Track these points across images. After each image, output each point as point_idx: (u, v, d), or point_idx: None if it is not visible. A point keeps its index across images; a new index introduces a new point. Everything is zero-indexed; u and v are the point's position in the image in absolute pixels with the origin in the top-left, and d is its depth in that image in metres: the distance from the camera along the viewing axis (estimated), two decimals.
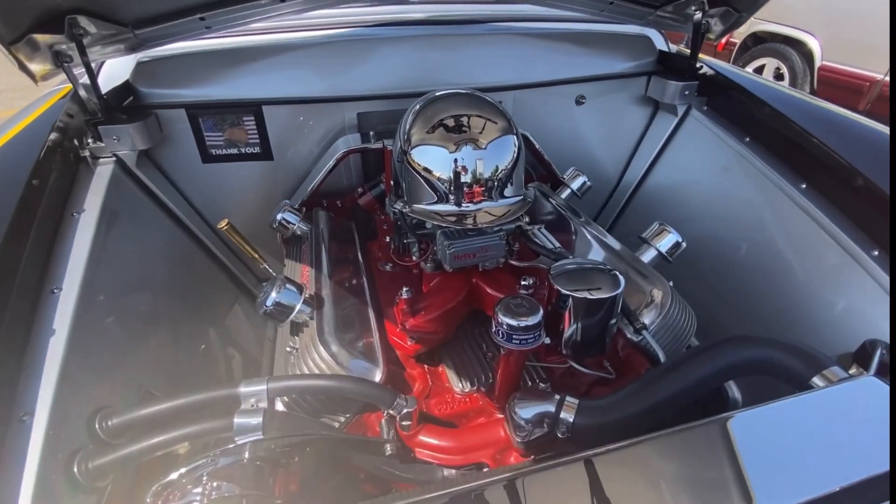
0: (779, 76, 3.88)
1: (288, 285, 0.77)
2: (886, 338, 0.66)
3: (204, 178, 1.16)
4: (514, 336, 0.66)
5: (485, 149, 0.83)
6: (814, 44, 3.63)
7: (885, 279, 0.81)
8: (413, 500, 0.45)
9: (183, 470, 0.60)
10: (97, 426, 0.59)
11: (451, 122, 0.84)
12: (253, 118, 1.09)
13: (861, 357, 0.65)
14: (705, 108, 1.31)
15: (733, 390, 0.77)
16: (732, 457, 0.47)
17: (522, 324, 0.65)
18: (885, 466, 0.46)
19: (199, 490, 0.59)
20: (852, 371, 0.66)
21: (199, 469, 0.60)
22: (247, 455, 0.59)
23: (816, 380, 0.59)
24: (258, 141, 1.13)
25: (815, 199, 0.96)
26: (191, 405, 0.61)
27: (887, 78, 3.29)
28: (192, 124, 1.09)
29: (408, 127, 0.87)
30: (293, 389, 0.65)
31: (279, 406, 0.72)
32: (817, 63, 3.62)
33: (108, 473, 0.60)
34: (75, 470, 0.57)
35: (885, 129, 1.01)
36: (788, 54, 3.76)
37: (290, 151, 1.19)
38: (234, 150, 1.13)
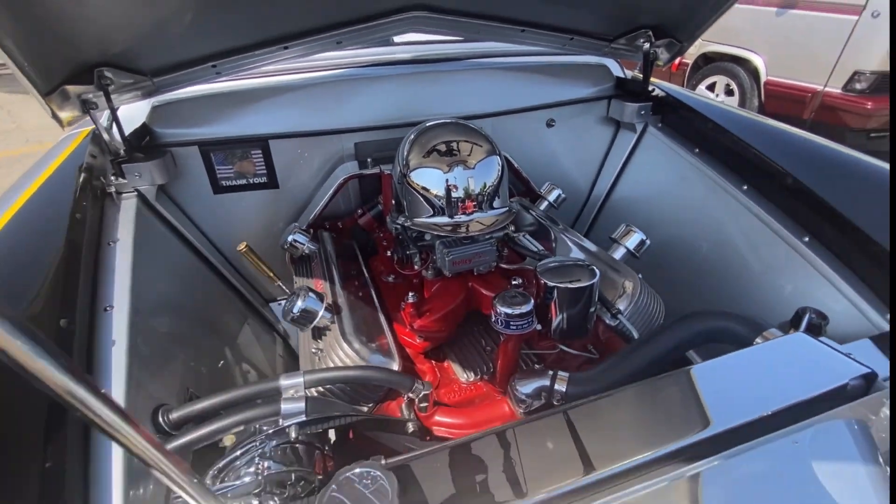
0: (729, 92, 4.21)
1: (311, 294, 0.88)
2: (818, 306, 0.80)
3: (215, 207, 1.27)
4: (511, 323, 0.78)
5: (473, 168, 0.96)
6: (758, 61, 3.97)
7: (816, 259, 0.96)
8: (441, 446, 0.56)
9: (237, 453, 0.69)
10: (160, 420, 0.68)
11: (443, 147, 0.98)
12: (260, 151, 1.21)
13: (796, 321, 0.79)
14: (660, 125, 1.48)
15: (695, 358, 0.90)
16: (695, 395, 0.60)
17: (517, 311, 0.77)
18: (809, 394, 0.59)
19: (251, 469, 0.68)
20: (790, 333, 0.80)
21: (250, 452, 0.69)
22: (293, 436, 0.69)
23: (758, 340, 0.73)
24: (265, 171, 1.24)
25: (754, 197, 1.13)
26: (238, 398, 0.71)
27: (827, 88, 3.62)
28: (204, 159, 1.20)
29: (406, 153, 1.00)
30: (326, 380, 0.75)
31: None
32: (763, 78, 3.95)
33: None
34: None
35: (808, 135, 1.19)
36: (737, 72, 4.09)
37: (294, 180, 1.31)
38: (243, 181, 1.24)
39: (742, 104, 4.15)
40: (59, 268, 0.73)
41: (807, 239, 1.00)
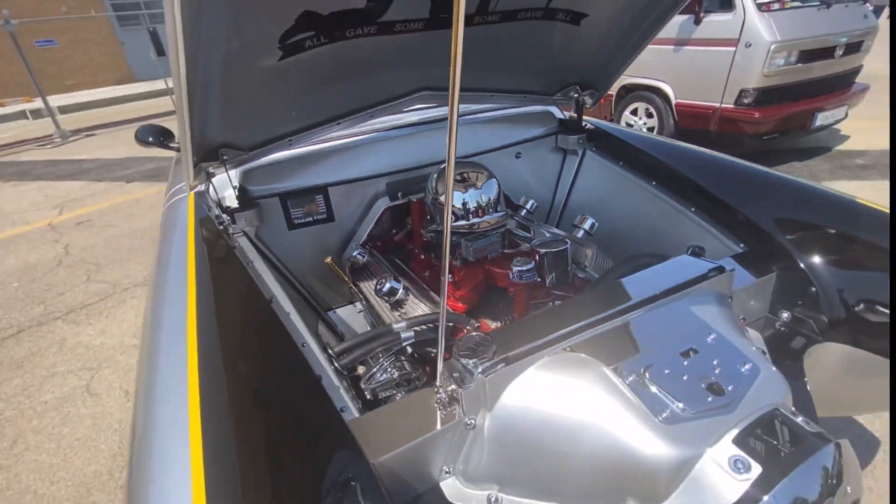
0: (649, 114, 5.05)
1: (392, 279, 1.34)
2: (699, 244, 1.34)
3: (288, 240, 1.71)
4: (522, 275, 1.28)
5: (480, 188, 1.48)
6: (667, 88, 4.83)
7: (698, 220, 1.52)
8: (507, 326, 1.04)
9: (374, 369, 1.13)
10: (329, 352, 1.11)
11: (458, 178, 1.49)
12: (322, 196, 1.69)
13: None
14: (594, 149, 2.07)
15: None
16: (629, 285, 1.10)
17: (525, 267, 1.27)
18: (689, 277, 1.11)
19: (386, 375, 1.12)
20: None
21: (383, 366, 1.13)
22: (409, 351, 1.14)
23: None
24: (325, 210, 1.71)
25: (660, 189, 1.70)
26: (361, 340, 1.14)
27: (723, 105, 4.47)
28: (282, 205, 1.66)
29: (434, 184, 1.51)
30: (417, 322, 1.20)
31: None
32: (673, 102, 4.80)
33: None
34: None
35: (690, 146, 1.79)
36: (652, 98, 4.94)
37: (345, 214, 1.78)
38: (310, 219, 1.71)
39: (660, 123, 4.99)
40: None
41: (693, 209, 1.57)
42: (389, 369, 1.10)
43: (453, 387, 0.84)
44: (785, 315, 1.25)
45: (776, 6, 4.23)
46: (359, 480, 0.70)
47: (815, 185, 1.46)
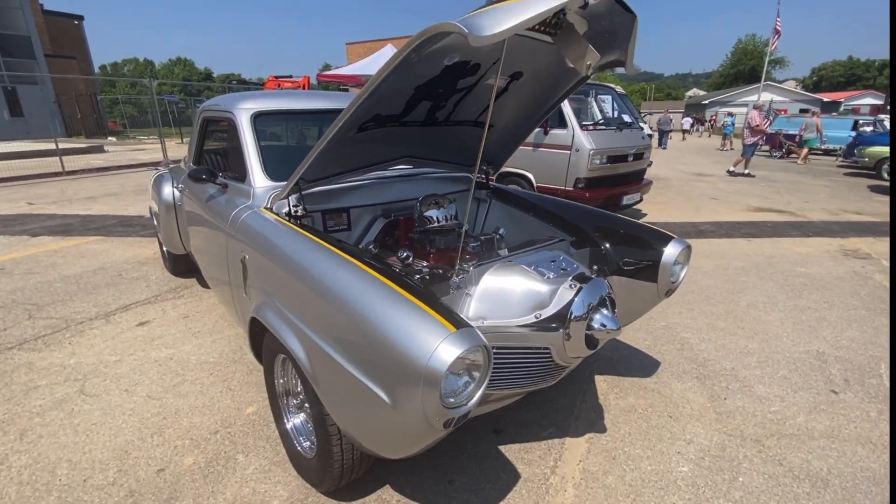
0: None
1: (405, 251, 2.39)
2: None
3: None
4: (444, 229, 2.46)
5: (446, 208, 2.66)
6: (530, 175, 6.76)
7: (554, 230, 2.89)
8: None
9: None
10: None
11: (436, 202, 2.66)
12: (346, 214, 2.69)
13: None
14: (495, 199, 3.43)
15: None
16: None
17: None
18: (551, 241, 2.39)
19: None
20: None
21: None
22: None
23: None
24: (347, 222, 2.70)
25: (534, 217, 3.06)
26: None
27: (565, 188, 6.47)
28: (322, 217, 2.62)
29: (420, 207, 2.65)
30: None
31: None
32: (534, 184, 6.72)
33: None
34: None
35: (553, 197, 3.25)
36: (520, 182, 6.83)
37: (357, 226, 2.79)
38: (337, 228, 2.68)
39: None
40: None
41: (550, 224, 2.94)
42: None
43: (461, 276, 1.96)
44: (595, 267, 2.61)
45: (591, 127, 6.51)
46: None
47: (607, 212, 2.96)
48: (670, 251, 2.45)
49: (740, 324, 4.03)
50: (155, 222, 4.68)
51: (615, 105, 7.63)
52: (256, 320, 2.19)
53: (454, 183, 3.29)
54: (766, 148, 20.03)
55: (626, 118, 7.46)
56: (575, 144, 6.34)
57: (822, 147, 17.56)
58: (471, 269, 1.98)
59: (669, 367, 3.35)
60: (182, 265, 4.64)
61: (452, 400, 1.40)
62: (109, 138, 24.39)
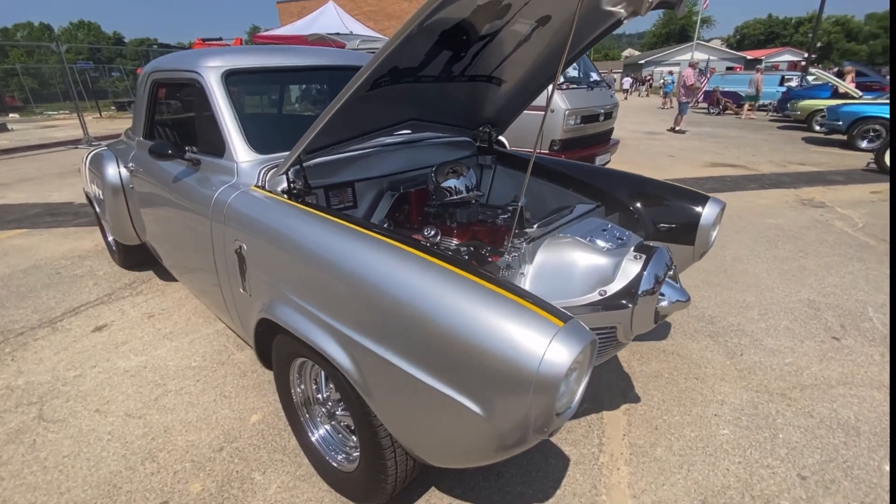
0: None
1: (431, 229, 2.11)
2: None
3: None
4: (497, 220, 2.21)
5: (465, 176, 2.38)
6: (503, 139, 6.51)
7: (574, 194, 2.70)
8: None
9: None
10: None
11: (454, 170, 2.36)
12: (351, 189, 2.33)
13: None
14: (499, 163, 3.17)
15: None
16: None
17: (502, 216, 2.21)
18: (585, 210, 2.20)
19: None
20: None
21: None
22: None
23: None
24: (353, 199, 2.35)
25: (537, 177, 2.85)
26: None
27: (541, 151, 6.28)
28: (325, 194, 2.25)
29: (434, 177, 2.34)
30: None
31: None
32: (509, 148, 6.48)
33: None
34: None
35: (561, 158, 3.03)
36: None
37: (363, 202, 2.44)
38: (342, 205, 2.32)
39: None
40: None
41: (570, 189, 2.74)
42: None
43: (514, 254, 1.72)
44: (627, 232, 2.45)
45: (564, 87, 6.30)
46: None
47: (630, 173, 2.79)
48: (709, 212, 2.32)
49: (732, 278, 4.10)
50: (96, 209, 4.02)
51: (580, 63, 7.45)
52: (267, 321, 1.85)
53: (457, 149, 2.99)
54: (705, 105, 20.88)
55: (594, 75, 7.32)
56: (551, 105, 6.12)
57: (758, 103, 18.53)
58: (523, 245, 1.73)
59: (680, 327, 3.33)
60: (135, 257, 4.05)
61: (560, 404, 1.19)
62: (11, 115, 21.49)
